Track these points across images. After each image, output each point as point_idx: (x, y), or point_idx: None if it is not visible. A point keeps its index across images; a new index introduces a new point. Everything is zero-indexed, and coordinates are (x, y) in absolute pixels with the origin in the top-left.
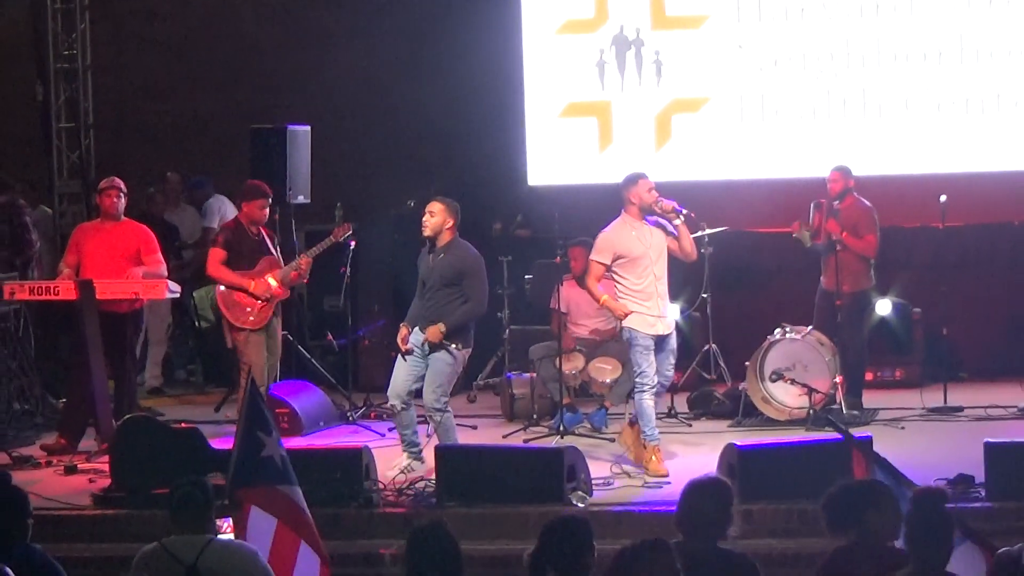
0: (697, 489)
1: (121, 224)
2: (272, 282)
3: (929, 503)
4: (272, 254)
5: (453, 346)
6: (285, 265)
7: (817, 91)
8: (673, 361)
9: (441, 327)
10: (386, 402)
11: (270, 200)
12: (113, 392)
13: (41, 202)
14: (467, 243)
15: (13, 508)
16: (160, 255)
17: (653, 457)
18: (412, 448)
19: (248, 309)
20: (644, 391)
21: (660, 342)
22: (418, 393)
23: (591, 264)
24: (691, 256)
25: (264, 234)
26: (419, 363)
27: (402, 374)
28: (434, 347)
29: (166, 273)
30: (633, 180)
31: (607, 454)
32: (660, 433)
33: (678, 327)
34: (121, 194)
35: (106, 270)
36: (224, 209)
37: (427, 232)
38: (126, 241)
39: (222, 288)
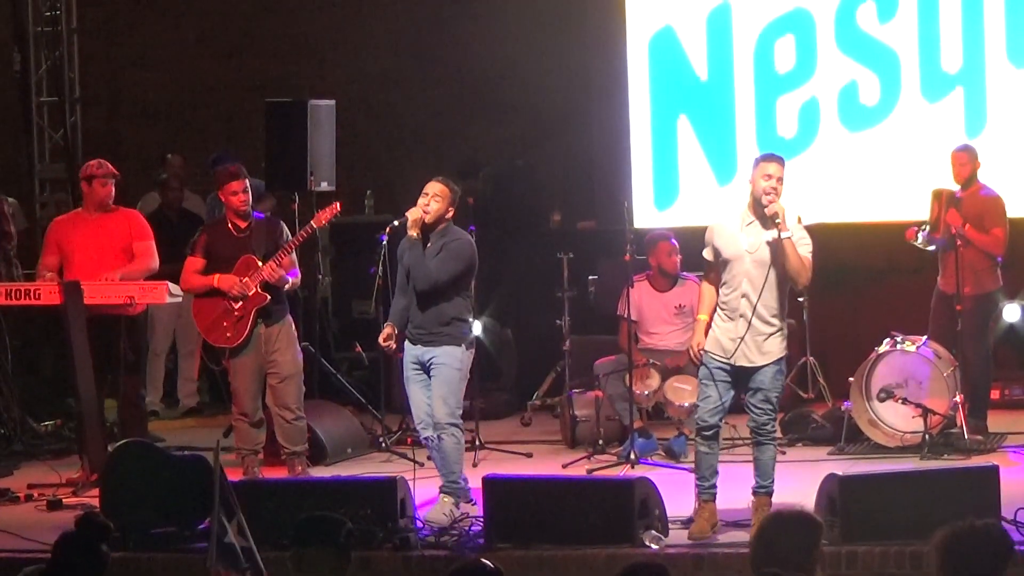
0: (776, 522)
1: (107, 213)
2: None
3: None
4: (252, 252)
5: None
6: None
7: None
8: (763, 403)
9: None
10: None
11: (244, 179)
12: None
13: (20, 189)
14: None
15: None
16: (152, 243)
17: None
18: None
19: (225, 324)
20: (696, 434)
21: (745, 376)
22: None
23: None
24: (796, 281)
25: (253, 229)
26: (426, 378)
27: (421, 396)
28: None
29: (156, 264)
30: (755, 161)
31: (686, 487)
32: (743, 462)
33: None
34: (114, 180)
35: (101, 268)
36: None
37: (428, 219)
38: (117, 231)
39: (195, 301)
